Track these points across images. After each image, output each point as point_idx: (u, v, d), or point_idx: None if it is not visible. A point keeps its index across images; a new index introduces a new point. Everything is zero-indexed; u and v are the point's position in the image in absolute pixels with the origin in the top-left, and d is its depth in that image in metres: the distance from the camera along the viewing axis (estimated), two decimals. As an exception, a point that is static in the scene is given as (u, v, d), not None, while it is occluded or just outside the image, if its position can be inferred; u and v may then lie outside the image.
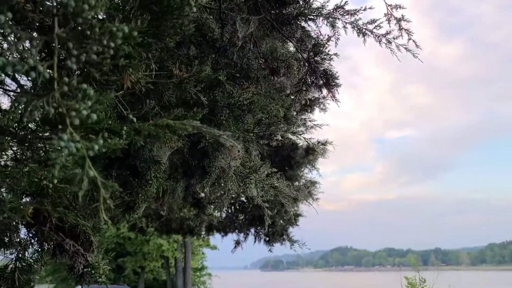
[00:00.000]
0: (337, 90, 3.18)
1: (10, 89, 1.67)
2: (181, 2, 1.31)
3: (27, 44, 1.12)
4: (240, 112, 2.57)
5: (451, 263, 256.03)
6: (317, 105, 7.10)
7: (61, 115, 0.94)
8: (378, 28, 3.39)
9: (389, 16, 3.29)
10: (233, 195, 4.87)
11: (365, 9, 3.37)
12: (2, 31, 0.98)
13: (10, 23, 0.95)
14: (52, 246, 1.81)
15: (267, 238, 8.91)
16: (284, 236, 9.17)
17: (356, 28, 3.45)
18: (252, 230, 8.86)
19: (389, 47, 3.70)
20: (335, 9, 3.40)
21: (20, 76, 1.38)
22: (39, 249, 1.88)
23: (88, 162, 0.91)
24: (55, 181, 1.09)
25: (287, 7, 2.82)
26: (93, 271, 1.90)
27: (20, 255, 1.91)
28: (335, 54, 3.15)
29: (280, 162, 7.50)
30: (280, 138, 3.07)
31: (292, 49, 3.26)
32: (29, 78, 1.06)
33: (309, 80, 3.05)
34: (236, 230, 9.27)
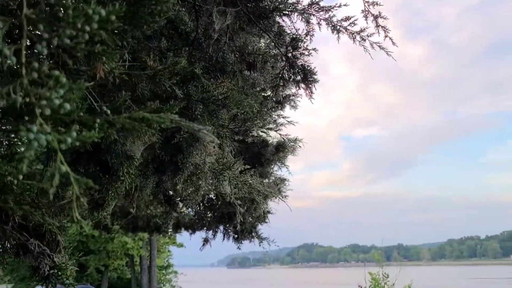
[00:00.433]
0: (314, 86, 3.15)
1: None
2: (160, -12, 1.24)
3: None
4: (215, 107, 2.50)
5: (412, 258, 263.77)
6: (288, 102, 7.10)
7: (29, 104, 0.86)
8: (352, 25, 3.39)
9: (366, 12, 3.29)
10: (205, 192, 4.78)
11: (340, 6, 3.36)
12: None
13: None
14: (15, 246, 1.68)
15: (236, 236, 8.86)
16: (253, 234, 9.13)
17: (330, 25, 3.44)
18: (221, 227, 8.79)
19: (363, 45, 3.71)
20: (310, 5, 3.37)
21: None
22: (1, 249, 1.76)
23: (60, 156, 0.83)
24: (21, 177, 1.00)
25: (263, 0, 2.76)
26: (59, 273, 1.79)
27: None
28: (314, 49, 3.13)
29: (251, 159, 7.42)
30: (256, 134, 3.01)
31: (265, 43, 3.21)
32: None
33: (287, 75, 3.00)
34: (205, 228, 9.17)
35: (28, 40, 0.87)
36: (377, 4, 3.24)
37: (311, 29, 3.22)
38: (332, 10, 3.32)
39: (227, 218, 8.83)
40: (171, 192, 4.01)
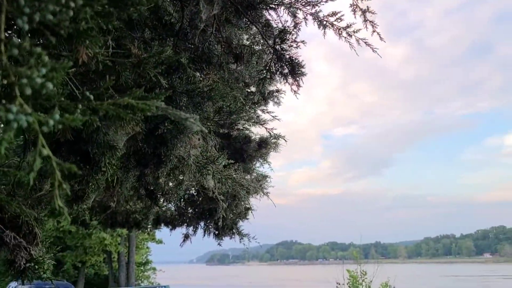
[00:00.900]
0: (302, 79, 3.12)
1: None
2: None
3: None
4: (200, 99, 2.45)
5: (390, 256, 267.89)
6: (272, 99, 7.08)
7: (8, 83, 0.80)
8: (339, 20, 3.37)
9: (355, 7, 3.27)
10: (188, 187, 4.71)
11: (326, 1, 3.34)
12: None
13: None
14: (-11, 239, 1.61)
15: (217, 232, 8.80)
16: (234, 230, 9.09)
17: (317, 20, 3.41)
18: (202, 223, 8.71)
19: (349, 41, 3.70)
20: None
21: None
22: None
23: (41, 139, 0.77)
24: (-3, 163, 0.93)
25: (251, -9, 2.72)
26: (36, 266, 1.71)
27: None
28: (302, 42, 3.09)
29: (233, 155, 7.37)
30: (241, 128, 2.96)
31: (252, 35, 3.16)
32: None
33: (274, 68, 2.96)
34: (185, 224, 9.08)
35: (7, 15, 0.81)
36: (365, -2, 3.22)
37: (298, 23, 3.18)
38: (318, 4, 3.29)
39: (208, 214, 8.76)
40: (152, 187, 3.93)
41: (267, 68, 2.95)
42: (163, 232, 9.94)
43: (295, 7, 3.32)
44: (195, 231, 8.73)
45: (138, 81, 1.83)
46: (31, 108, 0.94)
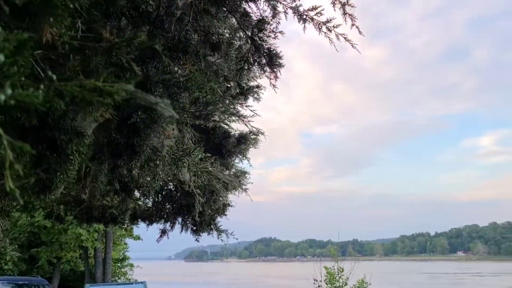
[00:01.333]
0: (279, 70, 3.08)
1: None
2: None
3: None
4: (176, 89, 2.39)
5: (366, 253, 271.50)
6: (252, 94, 7.03)
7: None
8: (319, 15, 3.34)
9: (334, 0, 3.25)
10: (163, 181, 4.62)
11: (307, -5, 3.31)
12: None
13: None
14: None
15: (195, 228, 8.71)
16: (212, 226, 9.02)
17: (297, 14, 3.38)
18: (180, 219, 8.62)
19: (328, 36, 3.68)
20: (277, -8, 3.30)
21: None
22: None
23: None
24: None
25: (230, -19, 2.66)
26: (-2, 258, 1.63)
27: None
28: (280, 32, 3.05)
29: (212, 150, 7.29)
30: (217, 119, 2.90)
31: (230, 26, 3.09)
32: None
33: (252, 59, 2.91)
34: (163, 220, 8.97)
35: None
36: (345, -9, 3.21)
37: (277, 13, 3.14)
38: (299, -2, 3.26)
39: (186, 209, 8.67)
40: (126, 179, 3.82)
41: (244, 58, 2.90)
42: (141, 228, 9.79)
43: (276, 0, 3.29)
44: (172, 227, 8.62)
45: (111, 67, 1.76)
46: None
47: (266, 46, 2.96)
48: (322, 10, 3.35)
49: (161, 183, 9.14)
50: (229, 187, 7.64)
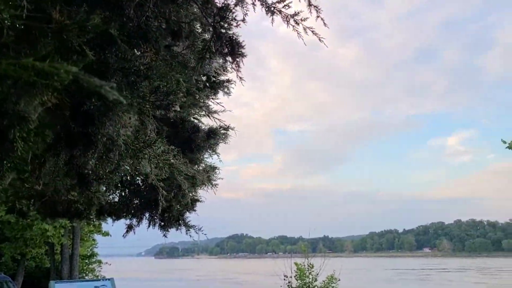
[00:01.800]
0: (242, 60, 3.02)
1: None
2: None
3: None
4: (136, 77, 2.30)
5: (336, 250, 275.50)
6: (222, 88, 6.96)
7: None
8: (287, 7, 3.31)
9: (300, -10, 3.23)
10: (125, 173, 4.49)
11: (275, -14, 3.27)
12: None
13: None
14: None
15: (163, 223, 8.58)
16: (180, 221, 8.90)
17: (265, 6, 3.34)
18: (147, 214, 8.46)
19: (296, 30, 3.66)
20: (244, -18, 3.24)
21: None
22: None
23: None
24: None
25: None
26: None
27: None
28: (243, 20, 2.98)
29: (181, 144, 7.17)
30: (178, 109, 2.82)
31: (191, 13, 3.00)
32: None
33: (214, 47, 2.84)
34: (130, 215, 8.79)
35: None
36: (311, -18, 3.18)
37: (242, 2, 3.08)
38: (267, -11, 3.21)
39: (154, 204, 8.52)
40: (85, 171, 3.68)
41: (206, 47, 2.83)
42: (110, 224, 9.58)
43: (242, -10, 3.22)
44: (139, 222, 8.45)
45: (61, 51, 1.66)
46: None
47: (228, 35, 2.89)
48: (290, 2, 3.32)
49: (128, 177, 8.98)
50: (197, 182, 7.54)
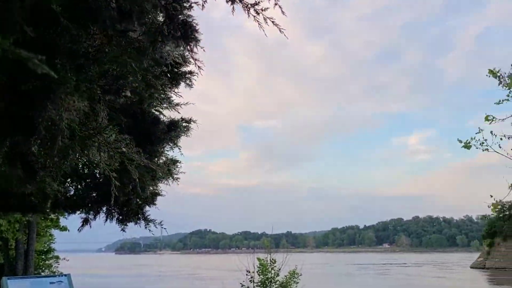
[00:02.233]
0: (196, 45, 2.93)
1: None
2: None
3: None
4: (84, 60, 2.18)
5: (299, 246, 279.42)
6: (183, 80, 6.82)
7: None
8: (246, -5, 3.25)
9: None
10: (75, 163, 4.30)
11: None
12: None
13: None
14: None
15: (120, 217, 8.36)
16: (139, 215, 8.70)
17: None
18: (104, 208, 8.22)
19: (257, 20, 3.61)
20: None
21: None
22: None
23: None
24: None
25: None
26: None
27: None
28: (196, 3, 2.90)
29: (140, 136, 6.98)
30: (129, 95, 2.72)
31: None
32: None
33: (166, 30, 2.73)
34: (86, 208, 8.51)
35: None
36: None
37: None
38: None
39: (114, 198, 8.28)
40: (30, 159, 3.50)
41: (158, 30, 2.72)
42: (70, 219, 9.28)
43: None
44: (95, 216, 8.20)
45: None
46: None
47: (181, 18, 2.80)
48: (251, -10, 3.26)
49: (85, 170, 8.69)
50: (157, 175, 7.38)
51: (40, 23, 1.91)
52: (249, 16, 3.57)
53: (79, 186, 8.22)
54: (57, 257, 34.67)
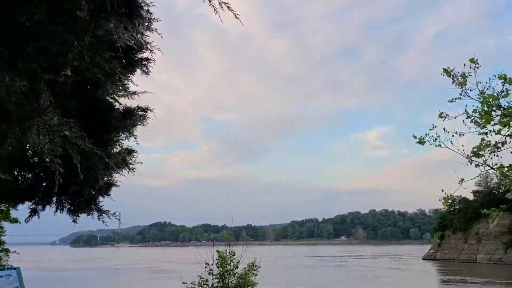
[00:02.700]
0: (142, 24, 2.80)
1: None
2: None
3: None
4: (21, 36, 2.03)
5: (259, 238, 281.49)
6: (139, 66, 6.60)
7: None
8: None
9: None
10: (13, 147, 4.06)
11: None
12: None
13: None
14: None
15: (72, 208, 8.04)
16: (92, 206, 8.39)
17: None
18: (54, 198, 7.88)
19: (213, 5, 3.52)
20: None
21: None
22: None
23: None
24: None
25: None
26: None
27: None
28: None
29: (93, 123, 6.69)
30: (69, 74, 2.56)
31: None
32: None
33: (109, 6, 2.58)
34: (36, 198, 8.13)
35: None
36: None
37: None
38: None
39: (63, 188, 7.94)
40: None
41: (101, 5, 2.57)
42: (21, 210, 8.87)
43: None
44: (44, 207, 7.85)
45: None
46: None
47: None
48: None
49: (36, 159, 8.28)
50: (110, 164, 7.13)
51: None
52: (204, 1, 3.48)
53: (27, 175, 7.85)
54: (7, 250, 33.30)
